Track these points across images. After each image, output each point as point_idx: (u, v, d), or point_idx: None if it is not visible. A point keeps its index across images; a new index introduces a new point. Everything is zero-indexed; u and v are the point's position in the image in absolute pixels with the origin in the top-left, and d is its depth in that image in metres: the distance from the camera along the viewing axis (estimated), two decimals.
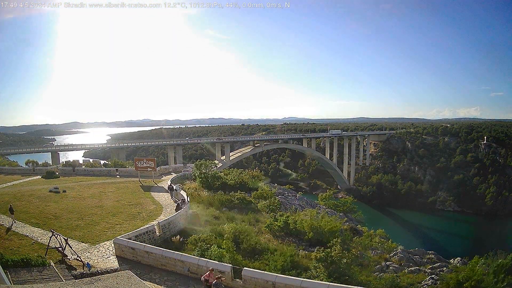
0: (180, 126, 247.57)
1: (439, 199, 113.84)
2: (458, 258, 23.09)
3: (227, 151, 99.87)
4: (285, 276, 12.53)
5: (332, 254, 15.42)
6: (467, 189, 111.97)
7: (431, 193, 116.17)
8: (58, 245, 15.05)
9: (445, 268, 19.79)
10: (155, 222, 19.23)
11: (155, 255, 14.46)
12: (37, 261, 12.57)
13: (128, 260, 14.84)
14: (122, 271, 9.22)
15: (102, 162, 58.37)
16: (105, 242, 16.86)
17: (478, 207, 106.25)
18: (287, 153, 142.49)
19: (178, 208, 20.85)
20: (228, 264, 13.30)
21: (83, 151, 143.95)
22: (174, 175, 36.24)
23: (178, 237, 17.82)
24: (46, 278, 10.40)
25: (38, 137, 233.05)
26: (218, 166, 53.12)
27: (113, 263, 14.77)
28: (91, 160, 57.97)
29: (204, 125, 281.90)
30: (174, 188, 20.12)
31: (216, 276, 11.22)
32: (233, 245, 15.28)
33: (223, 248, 15.11)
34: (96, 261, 14.90)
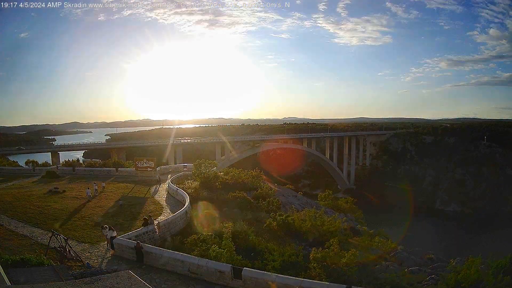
0: (180, 126, 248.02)
1: (439, 199, 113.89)
2: (458, 258, 23.07)
3: (227, 151, 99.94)
4: (285, 276, 12.56)
5: (330, 254, 15.42)
6: (467, 189, 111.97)
7: (431, 193, 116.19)
8: (58, 245, 15.07)
9: (445, 268, 19.79)
10: (155, 222, 19.25)
11: (155, 255, 14.48)
12: (37, 261, 12.57)
13: (128, 260, 14.86)
14: (122, 271, 9.21)
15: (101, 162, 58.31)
16: (105, 242, 16.87)
17: (478, 207, 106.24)
18: (287, 153, 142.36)
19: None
20: (228, 264, 13.32)
21: (83, 151, 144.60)
22: (174, 175, 36.22)
23: (178, 237, 17.84)
24: (46, 278, 10.39)
25: (38, 137, 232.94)
26: (217, 166, 53.09)
27: (113, 263, 14.79)
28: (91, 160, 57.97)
29: (204, 125, 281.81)
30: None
31: None
32: (232, 245, 15.28)
33: (223, 249, 15.11)
34: (96, 261, 14.92)
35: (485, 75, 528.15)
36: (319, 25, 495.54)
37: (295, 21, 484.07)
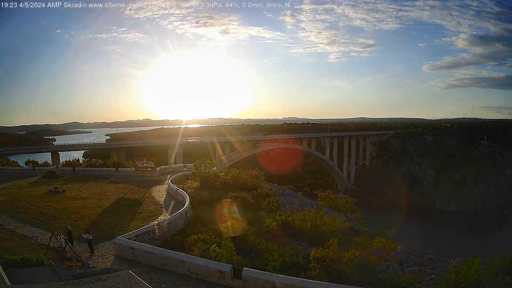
0: (180, 126, 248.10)
1: (439, 199, 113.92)
2: (458, 258, 23.04)
3: (227, 151, 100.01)
4: (285, 276, 12.55)
5: (330, 254, 15.42)
6: (467, 189, 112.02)
7: (431, 193, 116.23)
8: (58, 245, 15.07)
9: (445, 268, 19.75)
10: (155, 222, 19.25)
11: (155, 255, 14.48)
12: (37, 261, 12.58)
13: (128, 260, 14.86)
14: (122, 271, 9.22)
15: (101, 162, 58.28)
16: (105, 242, 16.87)
17: (478, 207, 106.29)
18: (287, 153, 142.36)
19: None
20: (228, 264, 13.31)
21: (83, 151, 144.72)
22: (174, 175, 36.21)
23: (178, 237, 17.84)
24: (46, 278, 10.40)
25: (38, 137, 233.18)
26: (218, 166, 53.08)
27: (113, 263, 14.79)
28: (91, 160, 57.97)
29: (204, 125, 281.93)
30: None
31: None
32: (232, 245, 15.29)
33: (223, 249, 15.12)
34: (96, 261, 14.91)
35: (480, 76, 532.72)
36: (301, 36, 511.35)
37: (279, 34, 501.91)
